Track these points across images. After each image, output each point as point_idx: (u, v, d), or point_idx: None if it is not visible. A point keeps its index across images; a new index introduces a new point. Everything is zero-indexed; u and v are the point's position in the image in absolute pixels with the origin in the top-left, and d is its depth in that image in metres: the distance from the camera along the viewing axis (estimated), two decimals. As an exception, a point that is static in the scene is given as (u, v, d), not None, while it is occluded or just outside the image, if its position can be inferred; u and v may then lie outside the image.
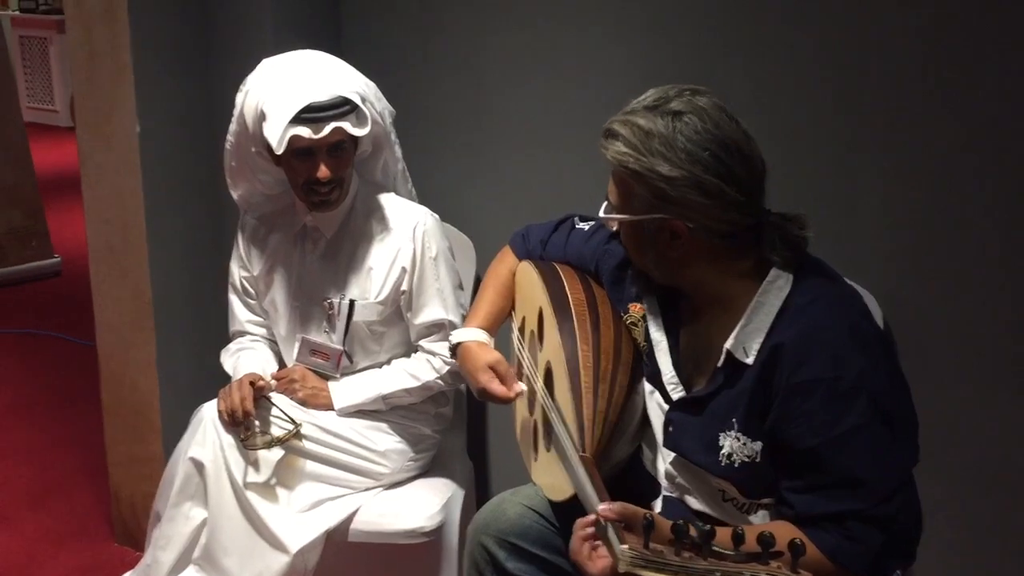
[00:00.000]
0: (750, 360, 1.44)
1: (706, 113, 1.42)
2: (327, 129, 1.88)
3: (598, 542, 1.34)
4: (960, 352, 1.90)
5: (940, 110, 1.83)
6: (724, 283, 1.48)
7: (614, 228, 1.55)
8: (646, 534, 1.23)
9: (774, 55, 1.96)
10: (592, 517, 1.35)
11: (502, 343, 1.89)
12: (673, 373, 1.56)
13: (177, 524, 1.95)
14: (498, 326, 1.89)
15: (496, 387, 1.71)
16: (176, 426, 2.10)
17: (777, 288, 1.44)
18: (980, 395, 1.90)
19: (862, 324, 1.43)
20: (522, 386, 1.73)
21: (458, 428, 2.35)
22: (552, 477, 1.64)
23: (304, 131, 1.87)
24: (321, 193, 1.97)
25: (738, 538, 1.21)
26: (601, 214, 1.54)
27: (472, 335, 1.82)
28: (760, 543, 1.20)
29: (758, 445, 1.45)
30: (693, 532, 1.21)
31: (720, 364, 1.47)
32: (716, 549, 1.22)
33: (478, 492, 2.37)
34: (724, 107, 1.44)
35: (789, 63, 1.95)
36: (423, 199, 2.22)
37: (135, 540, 2.62)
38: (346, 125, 1.90)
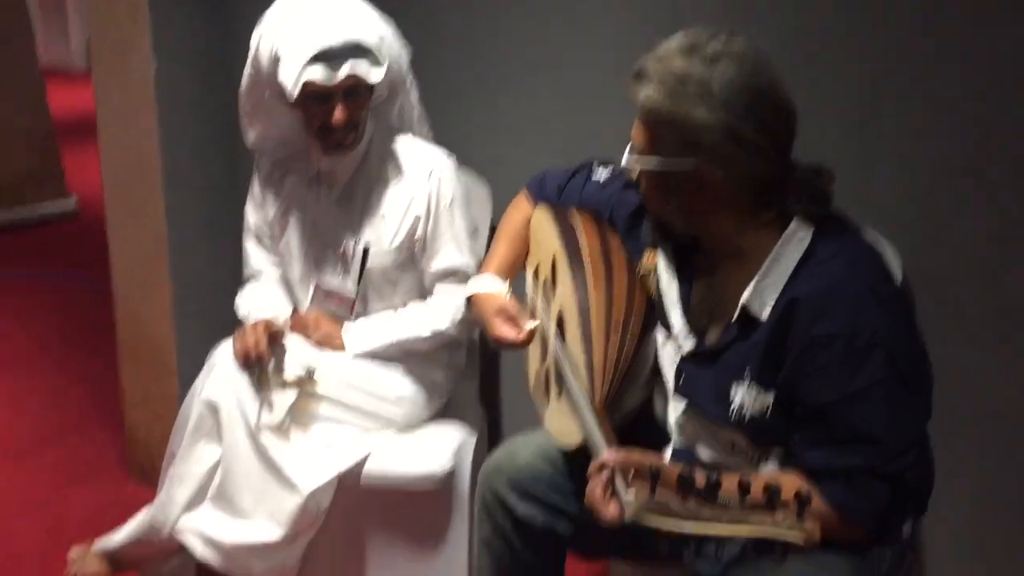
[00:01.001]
0: (765, 315, 1.43)
1: (744, 58, 1.38)
2: (342, 73, 1.86)
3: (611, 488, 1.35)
4: (980, 309, 1.89)
5: (964, 60, 1.80)
6: (744, 235, 1.46)
7: (636, 175, 1.52)
8: (652, 482, 1.23)
9: (798, 7, 1.93)
10: (601, 462, 1.35)
11: (518, 289, 1.89)
12: (683, 324, 1.56)
13: (191, 463, 1.97)
14: (512, 275, 1.89)
15: (507, 330, 1.71)
16: (191, 367, 2.12)
17: (797, 240, 1.43)
18: (999, 353, 1.89)
19: (881, 280, 1.42)
20: (533, 322, 1.72)
21: (471, 376, 2.36)
22: (562, 424, 1.65)
23: (319, 75, 1.85)
24: (336, 137, 1.96)
25: (744, 488, 1.22)
26: (624, 160, 1.50)
27: (485, 283, 1.82)
28: (766, 493, 1.20)
29: (770, 397, 1.44)
30: (699, 481, 1.22)
31: (735, 318, 1.47)
32: (722, 498, 1.22)
33: (490, 440, 2.38)
34: (761, 52, 1.41)
35: (814, 10, 1.92)
36: (440, 140, 2.20)
37: (150, 479, 2.65)
38: (362, 68, 1.88)
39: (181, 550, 2.05)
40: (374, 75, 1.91)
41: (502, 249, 1.89)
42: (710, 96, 1.36)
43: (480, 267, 1.95)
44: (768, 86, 1.39)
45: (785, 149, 1.42)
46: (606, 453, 1.34)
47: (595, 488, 1.36)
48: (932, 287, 1.85)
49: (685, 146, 1.39)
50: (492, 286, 1.81)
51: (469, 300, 1.84)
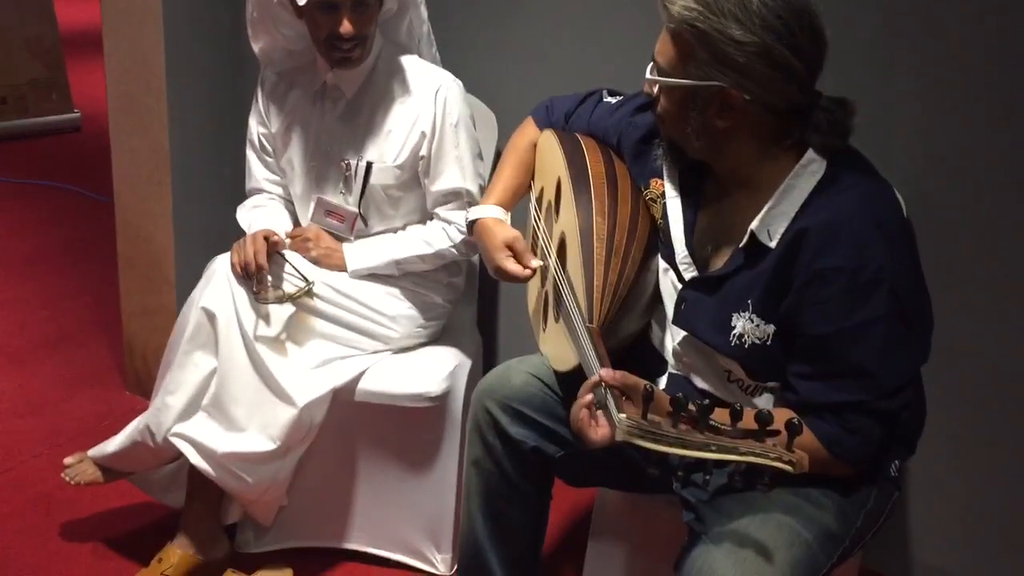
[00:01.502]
0: (773, 243, 1.42)
1: None
2: (352, -19, 1.83)
3: (599, 411, 1.35)
4: (980, 255, 1.87)
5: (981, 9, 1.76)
6: (759, 163, 1.44)
7: (655, 92, 1.48)
8: (645, 405, 1.23)
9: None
10: (594, 381, 1.35)
11: (520, 214, 1.88)
12: (686, 252, 1.55)
13: (187, 371, 1.97)
14: (516, 201, 1.87)
15: (511, 265, 1.70)
16: (190, 279, 2.11)
17: (810, 172, 1.41)
18: (996, 300, 1.88)
19: (891, 219, 1.40)
20: (537, 262, 1.72)
21: (469, 300, 2.36)
22: (558, 347, 1.65)
23: (329, -18, 1.82)
24: (343, 50, 1.93)
25: (736, 414, 1.22)
26: (647, 76, 1.46)
27: (489, 211, 1.80)
28: (757, 420, 1.21)
29: (771, 328, 1.44)
30: (691, 406, 1.22)
31: (742, 244, 1.45)
32: (713, 423, 1.22)
33: (485, 365, 2.39)
34: None
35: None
36: (447, 65, 2.17)
37: (146, 389, 2.67)
38: (372, -21, 1.85)
39: (174, 458, 2.07)
40: (384, -14, 1.87)
41: (508, 174, 1.87)
42: (748, 12, 1.32)
43: (485, 191, 1.94)
44: (805, 9, 1.35)
45: (814, 77, 1.40)
46: (601, 371, 1.33)
47: (578, 410, 1.36)
48: (936, 233, 1.84)
49: (717, 64, 1.35)
50: (495, 214, 1.79)
51: (471, 225, 1.83)
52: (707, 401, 1.21)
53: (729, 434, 1.21)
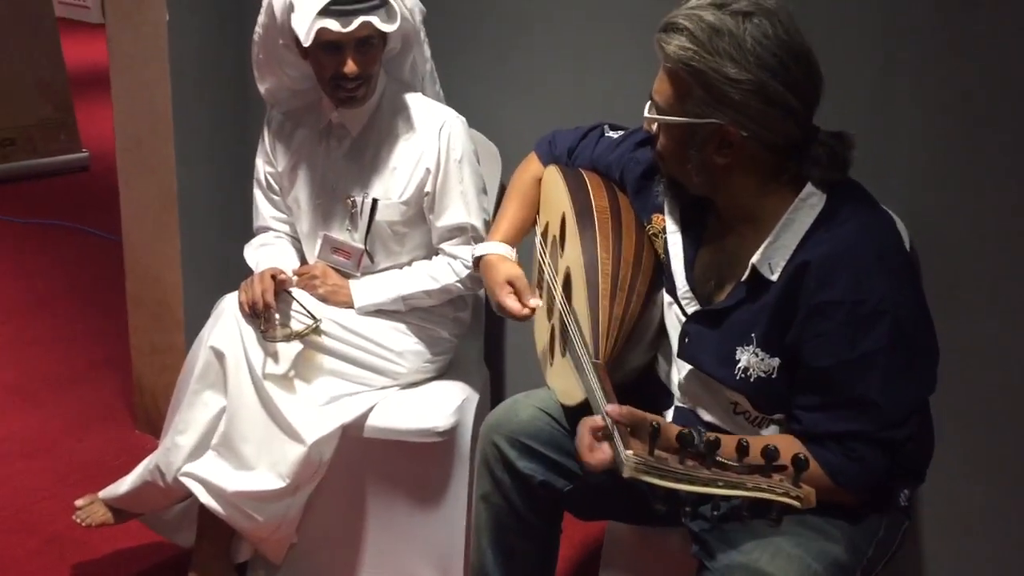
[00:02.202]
0: (775, 277, 1.43)
1: (776, 17, 1.36)
2: (356, 23, 1.85)
3: (604, 443, 1.35)
4: (988, 282, 1.88)
5: (981, 31, 1.78)
6: (759, 197, 1.45)
7: (654, 130, 1.50)
8: (652, 440, 1.24)
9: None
10: (600, 421, 1.36)
11: (526, 248, 1.89)
12: (687, 288, 1.56)
13: (196, 410, 1.98)
14: (521, 237, 1.89)
15: (511, 303, 1.71)
16: (198, 318, 2.13)
17: (809, 206, 1.42)
18: (1005, 326, 1.88)
19: (891, 249, 1.41)
20: (537, 301, 1.73)
21: (476, 334, 2.36)
22: (565, 382, 1.66)
23: (332, 24, 1.85)
24: (348, 89, 1.95)
25: (742, 450, 1.22)
26: (646, 114, 1.48)
27: (495, 248, 1.82)
28: (764, 456, 1.21)
29: (775, 361, 1.45)
30: (698, 441, 1.22)
31: (744, 278, 1.46)
32: (720, 459, 1.23)
33: (493, 399, 2.39)
34: (791, 13, 1.39)
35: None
36: (450, 102, 2.20)
37: (155, 428, 2.67)
38: (375, 20, 1.87)
39: (184, 498, 2.07)
40: (388, 26, 1.90)
41: (512, 210, 1.89)
42: (742, 51, 1.34)
43: (490, 226, 1.95)
44: (799, 46, 1.37)
45: (810, 111, 1.41)
46: (607, 407, 1.34)
47: (582, 434, 1.37)
48: (940, 262, 1.85)
49: (713, 102, 1.37)
50: (500, 250, 1.81)
51: (477, 260, 1.84)
52: (714, 437, 1.22)
53: (736, 469, 1.21)
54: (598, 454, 1.34)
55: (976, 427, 1.94)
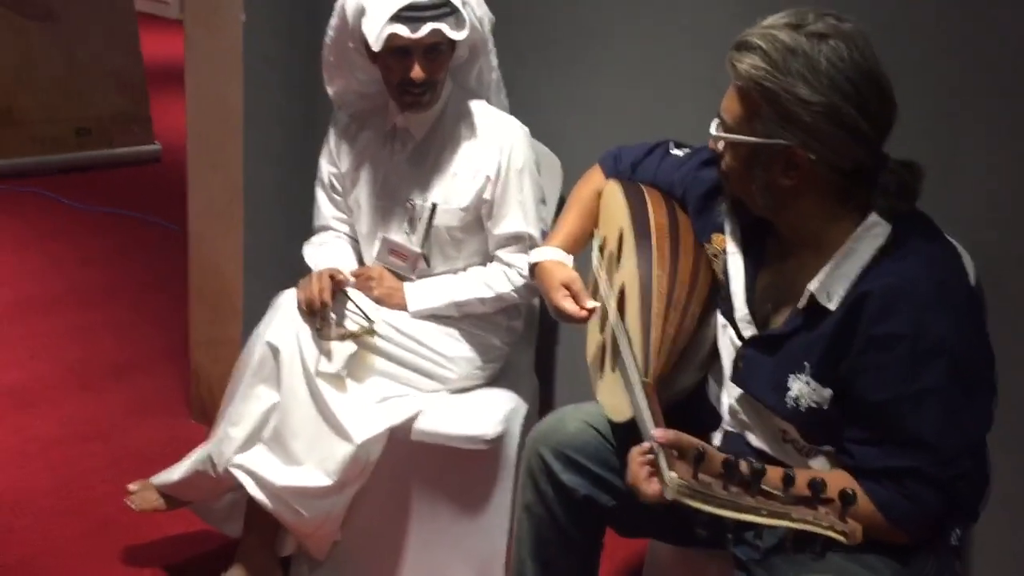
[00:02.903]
0: (832, 306, 1.40)
1: (852, 40, 1.35)
2: (425, 29, 1.87)
3: (653, 468, 1.35)
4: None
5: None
6: (823, 223, 1.43)
7: (720, 149, 1.48)
8: (696, 465, 1.23)
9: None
10: (648, 444, 1.35)
11: (582, 263, 1.89)
12: (746, 311, 1.54)
13: (249, 403, 2.02)
14: (579, 247, 1.88)
15: (568, 304, 1.71)
16: (257, 312, 2.16)
17: (873, 236, 1.40)
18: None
19: (954, 285, 1.38)
20: (594, 303, 1.72)
21: (528, 344, 2.37)
22: (614, 397, 1.65)
23: (402, 30, 1.87)
24: (414, 94, 1.97)
25: (789, 480, 1.21)
26: (712, 132, 1.47)
27: (551, 254, 1.81)
28: (810, 488, 1.19)
29: (828, 392, 1.42)
30: (743, 468, 1.21)
31: (802, 306, 1.44)
32: (765, 488, 1.21)
33: (542, 410, 2.39)
34: (868, 38, 1.37)
35: (902, 6, 1.87)
36: (515, 112, 2.21)
37: (210, 418, 2.70)
38: (444, 27, 1.89)
39: (233, 489, 2.10)
40: (456, 34, 1.92)
41: (571, 220, 1.88)
42: (816, 73, 1.32)
43: (547, 235, 1.95)
44: (873, 71, 1.35)
45: (881, 138, 1.39)
46: (654, 431, 1.33)
47: (637, 467, 1.36)
48: (1006, 297, 1.80)
49: (782, 122, 1.35)
50: (557, 256, 1.81)
51: (533, 268, 1.85)
52: (760, 465, 1.20)
53: (781, 499, 1.19)
54: (654, 485, 1.33)
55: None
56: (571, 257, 1.83)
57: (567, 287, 1.73)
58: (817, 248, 1.45)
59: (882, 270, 1.38)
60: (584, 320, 1.73)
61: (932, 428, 1.35)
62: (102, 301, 3.56)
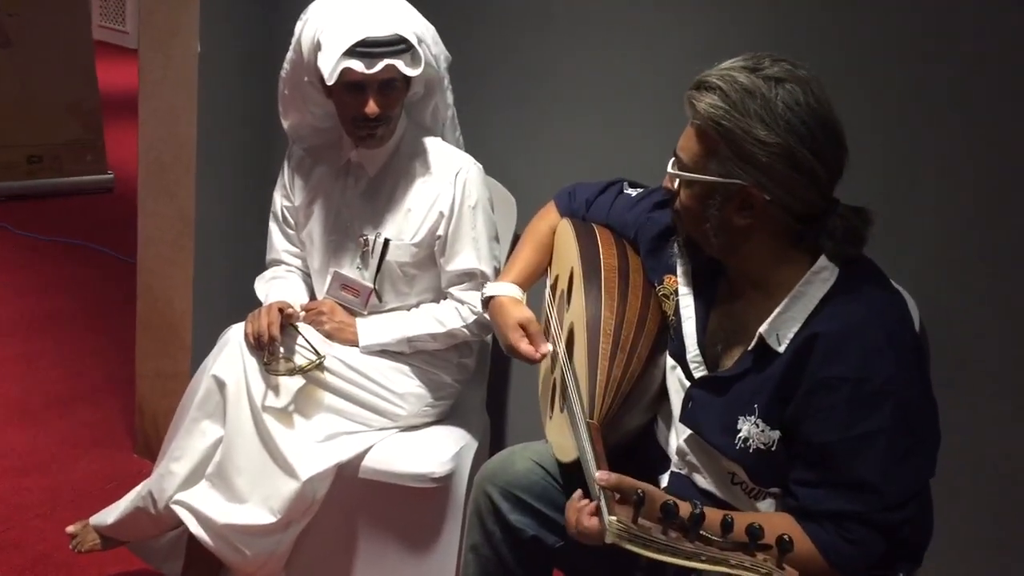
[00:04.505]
0: (782, 348, 1.42)
1: (808, 85, 1.37)
2: (380, 65, 1.88)
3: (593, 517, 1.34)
4: (995, 364, 1.86)
5: (1003, 112, 1.78)
6: (774, 265, 1.45)
7: (675, 187, 1.49)
8: (636, 509, 1.23)
9: (841, 46, 1.92)
10: (578, 494, 1.35)
11: (535, 297, 1.89)
12: (697, 351, 1.54)
13: (193, 438, 1.98)
14: (532, 282, 1.88)
15: (524, 346, 1.70)
16: (205, 346, 2.13)
17: (821, 280, 1.41)
18: (1013, 408, 1.86)
19: (901, 331, 1.40)
20: (549, 347, 1.72)
21: (479, 381, 2.35)
22: (562, 437, 1.64)
23: (357, 65, 1.87)
24: (368, 129, 1.97)
25: (727, 525, 1.21)
26: (669, 170, 1.48)
27: (506, 290, 1.81)
28: (748, 534, 1.19)
29: (776, 434, 1.43)
30: (683, 513, 1.21)
31: (751, 347, 1.45)
32: (704, 533, 1.22)
33: (492, 447, 2.37)
34: (822, 84, 1.39)
35: (854, 56, 1.91)
36: (470, 150, 2.22)
37: (154, 453, 2.65)
38: (399, 64, 1.90)
39: (174, 526, 2.06)
40: (411, 71, 1.92)
41: (525, 255, 1.88)
42: (773, 115, 1.34)
43: (502, 270, 1.95)
44: (828, 116, 1.38)
45: (833, 182, 1.41)
46: (596, 473, 1.33)
47: (572, 514, 1.37)
48: (949, 342, 1.83)
49: (739, 162, 1.37)
50: (511, 292, 1.80)
51: (487, 302, 1.84)
52: (699, 510, 1.20)
53: (719, 545, 1.20)
54: (594, 520, 1.33)
55: (978, 510, 1.91)
56: (524, 294, 1.82)
57: (524, 327, 1.73)
58: (767, 290, 1.46)
59: (830, 313, 1.40)
60: (537, 362, 1.73)
61: (877, 471, 1.35)
62: (47, 331, 3.49)
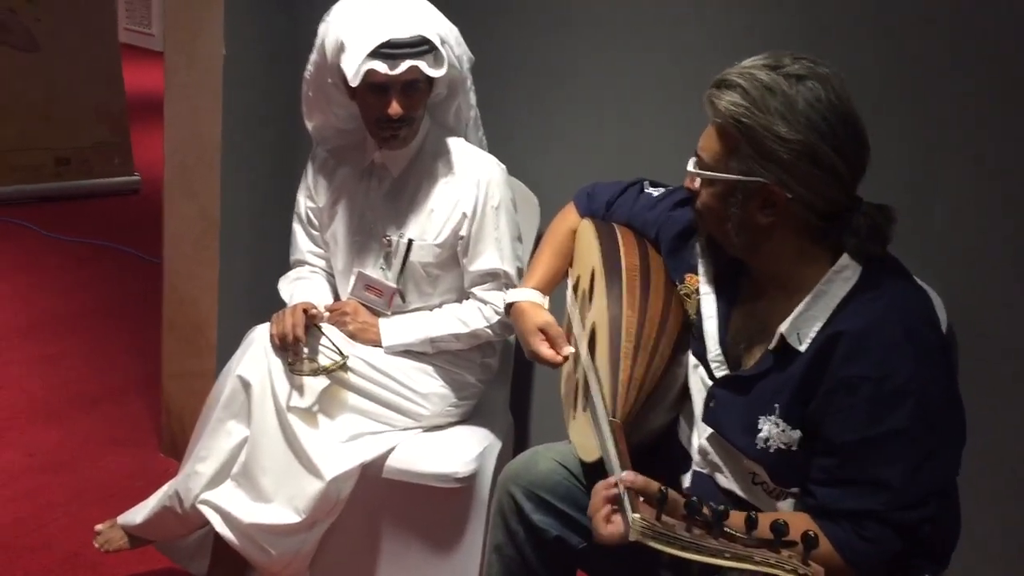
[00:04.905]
0: (803, 347, 1.41)
1: (829, 82, 1.36)
2: (403, 66, 1.88)
3: (616, 507, 1.34)
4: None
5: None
6: (796, 263, 1.44)
7: (695, 187, 1.49)
8: (659, 507, 1.22)
9: (862, 46, 1.91)
10: (614, 480, 1.34)
11: (557, 300, 1.89)
12: (719, 351, 1.54)
13: (219, 438, 1.99)
14: (554, 286, 1.88)
15: (545, 350, 1.71)
16: (230, 345, 2.15)
17: (843, 279, 1.40)
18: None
19: (923, 329, 1.38)
20: (570, 349, 1.72)
21: (502, 381, 2.36)
22: (584, 437, 1.64)
23: (380, 66, 1.88)
24: (391, 130, 1.98)
25: (751, 522, 1.20)
26: (689, 169, 1.47)
27: (527, 295, 1.81)
28: (773, 530, 1.19)
29: (796, 434, 1.42)
30: (706, 510, 1.20)
31: (772, 347, 1.45)
32: (728, 530, 1.21)
33: (515, 447, 2.38)
34: (844, 81, 1.38)
35: (881, 53, 1.89)
36: (493, 150, 2.22)
37: (179, 452, 2.68)
38: (423, 65, 1.90)
39: (200, 526, 2.07)
40: (434, 71, 1.93)
41: (545, 260, 1.89)
42: (794, 111, 1.34)
43: (523, 274, 1.95)
44: (849, 113, 1.37)
45: (856, 180, 1.40)
46: (620, 473, 1.33)
47: (599, 503, 1.35)
48: (978, 341, 1.81)
49: (760, 160, 1.36)
50: (533, 298, 1.81)
51: (508, 307, 1.84)
52: (722, 507, 1.20)
53: (743, 542, 1.19)
54: (611, 527, 1.32)
55: (1007, 512, 1.89)
56: (546, 298, 1.83)
57: (544, 331, 1.73)
58: (789, 289, 1.45)
59: (852, 312, 1.39)
60: (560, 365, 1.73)
61: (897, 470, 1.34)
62: (75, 331, 3.53)
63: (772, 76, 1.36)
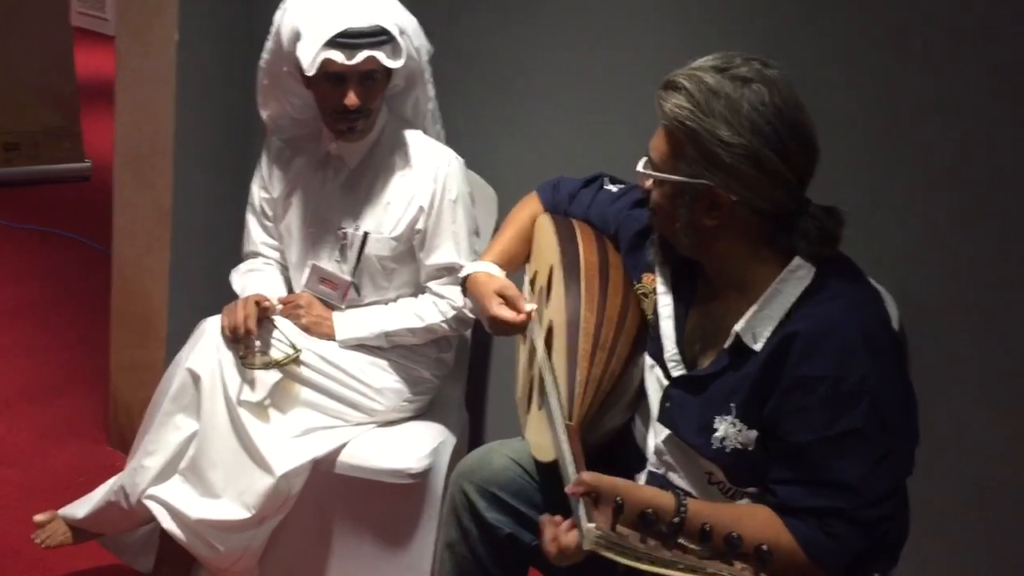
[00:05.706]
0: (758, 347, 1.41)
1: (775, 86, 1.36)
2: (360, 56, 1.86)
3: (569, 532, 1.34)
4: (976, 362, 1.86)
5: (978, 103, 1.78)
6: (747, 264, 1.44)
7: (648, 186, 1.49)
8: (615, 516, 1.22)
9: (822, 44, 1.92)
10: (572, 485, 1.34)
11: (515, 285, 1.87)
12: (676, 350, 1.53)
13: (167, 432, 1.95)
14: (512, 267, 1.85)
15: (504, 312, 1.67)
16: (181, 337, 2.11)
17: (797, 279, 1.41)
18: (989, 405, 1.86)
19: (878, 329, 1.39)
20: (532, 305, 1.70)
21: (458, 377, 2.34)
22: (539, 436, 1.63)
23: (337, 55, 1.85)
24: (348, 121, 1.95)
25: (705, 535, 1.21)
26: (639, 169, 1.48)
27: (483, 267, 1.78)
28: (726, 543, 1.19)
29: (753, 434, 1.43)
30: (662, 521, 1.20)
31: (727, 346, 1.45)
32: (682, 542, 1.22)
33: (471, 444, 2.36)
34: (791, 84, 1.39)
35: (839, 53, 1.91)
36: (451, 143, 2.20)
37: (127, 445, 2.61)
38: (380, 55, 1.88)
39: (146, 521, 2.03)
40: (392, 62, 1.90)
41: (506, 239, 1.86)
42: (737, 115, 1.34)
43: (482, 253, 1.93)
44: (796, 118, 1.37)
45: (802, 184, 1.41)
46: (573, 477, 1.32)
47: (549, 534, 1.36)
48: (928, 340, 1.83)
49: (704, 163, 1.37)
50: (489, 270, 1.78)
51: (465, 280, 1.81)
52: (678, 519, 1.20)
53: (697, 553, 1.19)
54: (573, 535, 1.33)
55: (958, 510, 1.91)
56: (503, 272, 1.80)
57: (501, 295, 1.70)
58: (742, 289, 1.45)
59: (806, 312, 1.39)
60: (522, 325, 1.69)
61: (854, 470, 1.35)
62: (21, 321, 3.45)
63: (718, 79, 1.36)
